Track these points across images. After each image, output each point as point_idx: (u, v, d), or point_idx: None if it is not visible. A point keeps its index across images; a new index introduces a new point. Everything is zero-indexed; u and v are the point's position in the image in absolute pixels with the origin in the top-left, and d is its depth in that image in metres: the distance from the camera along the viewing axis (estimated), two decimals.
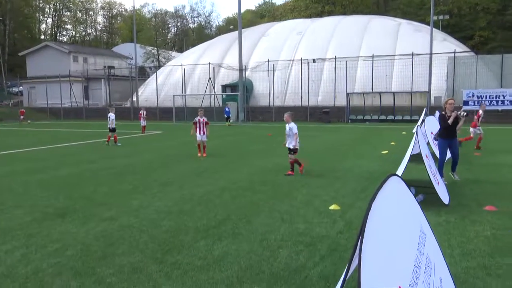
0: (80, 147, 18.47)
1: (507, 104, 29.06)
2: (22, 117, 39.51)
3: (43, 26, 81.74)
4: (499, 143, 17.09)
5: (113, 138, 18.66)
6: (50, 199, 8.39)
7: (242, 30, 37.48)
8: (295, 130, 10.57)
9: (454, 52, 32.49)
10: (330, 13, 62.23)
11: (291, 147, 10.63)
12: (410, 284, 2.66)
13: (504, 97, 28.98)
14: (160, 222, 6.73)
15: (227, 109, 33.40)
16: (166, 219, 6.90)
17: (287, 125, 10.70)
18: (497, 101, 29.27)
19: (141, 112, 25.81)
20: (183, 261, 5.11)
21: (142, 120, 25.16)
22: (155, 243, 5.75)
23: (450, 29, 51.38)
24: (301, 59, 36.78)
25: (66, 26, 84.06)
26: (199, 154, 14.23)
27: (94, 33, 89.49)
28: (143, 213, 7.27)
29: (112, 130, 18.63)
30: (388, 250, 2.55)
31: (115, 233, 6.18)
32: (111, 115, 18.84)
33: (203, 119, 14.52)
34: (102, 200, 8.23)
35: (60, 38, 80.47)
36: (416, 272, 2.91)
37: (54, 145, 19.16)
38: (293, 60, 38.87)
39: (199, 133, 14.44)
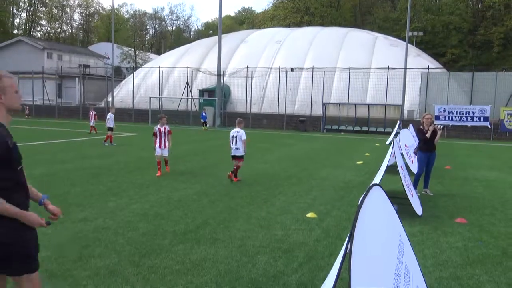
0: (53, 146, 18.04)
1: (476, 120, 30.05)
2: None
3: (16, 20, 79.61)
4: (469, 158, 17.65)
5: (108, 138, 18.86)
6: None
7: (222, 35, 37.50)
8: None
9: (428, 68, 33.42)
10: (308, 24, 63.06)
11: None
12: None
13: (473, 113, 29.96)
14: (136, 224, 6.65)
15: (203, 114, 33.29)
16: (143, 221, 6.82)
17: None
18: (466, 117, 30.23)
19: (91, 112, 25.43)
20: (161, 265, 5.06)
21: (91, 120, 24.84)
22: (132, 246, 5.68)
23: (423, 45, 52.85)
24: (279, 67, 37.05)
25: (40, 22, 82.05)
26: (158, 174, 11.16)
27: (70, 31, 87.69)
28: (119, 215, 7.17)
29: (109, 129, 19.09)
30: (373, 258, 2.61)
31: (90, 235, 6.07)
32: (110, 115, 19.54)
33: (165, 128, 11.66)
34: (76, 201, 8.07)
35: (34, 34, 78.48)
36: (397, 280, 2.99)
37: (25, 143, 18.63)
38: (271, 68, 39.10)
39: (160, 146, 11.49)
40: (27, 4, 77.92)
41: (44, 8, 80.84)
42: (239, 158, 10.80)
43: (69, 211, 7.32)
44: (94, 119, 24.94)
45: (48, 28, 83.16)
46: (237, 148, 10.74)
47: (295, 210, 7.87)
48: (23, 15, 79.32)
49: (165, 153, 11.58)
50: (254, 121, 36.42)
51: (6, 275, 2.87)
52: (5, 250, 2.72)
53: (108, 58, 53.96)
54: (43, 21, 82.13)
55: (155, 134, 11.63)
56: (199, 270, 4.94)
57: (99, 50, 63.80)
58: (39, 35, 79.79)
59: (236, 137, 10.71)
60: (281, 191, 9.55)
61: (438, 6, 59.30)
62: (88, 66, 51.75)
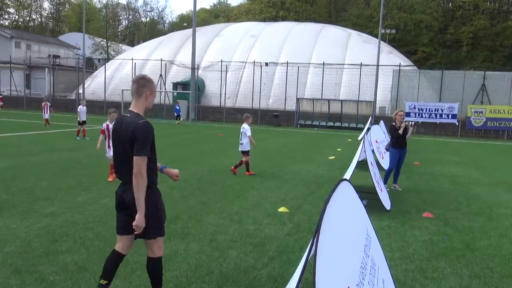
0: (20, 138, 17.52)
1: (445, 118, 30.88)
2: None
3: None
4: (437, 154, 18.13)
5: (82, 132, 18.28)
6: None
7: (196, 28, 37.15)
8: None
9: (399, 66, 34.06)
10: (284, 19, 63.14)
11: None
12: (357, 285, 2.79)
13: (442, 110, 30.77)
14: (106, 219, 6.56)
15: (177, 107, 32.98)
16: (113, 216, 6.67)
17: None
18: (435, 114, 31.02)
19: (44, 103, 24.52)
20: (131, 259, 5.02)
21: (45, 112, 23.97)
22: (102, 241, 5.61)
23: (396, 43, 53.77)
24: (254, 62, 37.05)
25: (8, 10, 79.16)
26: (110, 179, 9.34)
27: (39, 20, 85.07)
28: (88, 209, 7.05)
29: (82, 123, 18.39)
30: (339, 251, 2.67)
31: (58, 230, 5.95)
32: (82, 108, 18.79)
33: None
34: (44, 195, 7.88)
35: (2, 22, 75.75)
36: (363, 273, 3.06)
37: None
38: (246, 62, 39.03)
39: (109, 147, 9.17)
40: None
41: None
42: (243, 153, 11.00)
43: (36, 205, 7.16)
44: (49, 111, 24.04)
45: (16, 17, 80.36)
46: (241, 144, 11.01)
47: (267, 204, 7.92)
48: None
49: None
50: (228, 115, 36.32)
51: (143, 239, 3.78)
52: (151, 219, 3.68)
53: (79, 49, 52.69)
54: (11, 8, 79.31)
55: (102, 132, 9.57)
56: (170, 264, 4.93)
57: (70, 40, 62.20)
58: (6, 23, 77.03)
59: (243, 132, 10.98)
60: (253, 186, 9.59)
61: (411, 4, 60.36)
62: (58, 57, 50.27)
